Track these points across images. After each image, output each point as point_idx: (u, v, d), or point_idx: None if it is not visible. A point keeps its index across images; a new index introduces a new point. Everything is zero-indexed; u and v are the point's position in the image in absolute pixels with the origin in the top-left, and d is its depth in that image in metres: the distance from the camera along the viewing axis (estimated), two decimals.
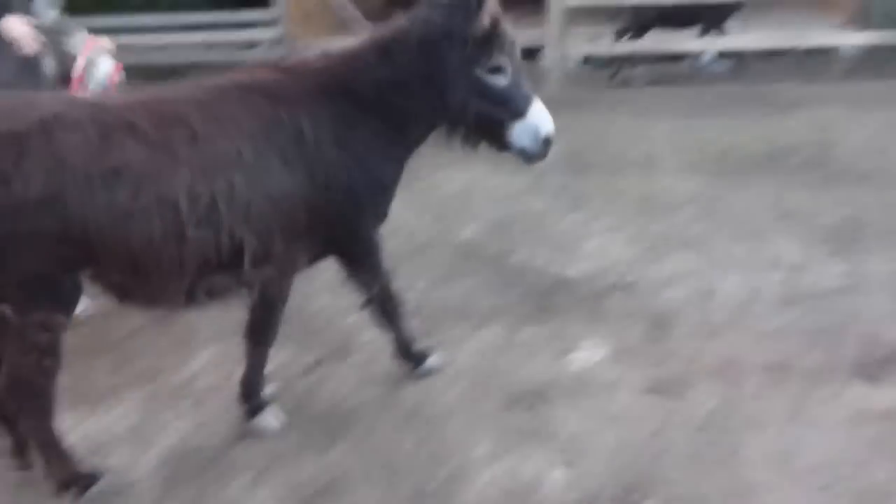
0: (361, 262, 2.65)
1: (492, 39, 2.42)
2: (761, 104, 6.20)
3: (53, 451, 2.29)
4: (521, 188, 4.82)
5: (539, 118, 2.48)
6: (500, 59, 2.45)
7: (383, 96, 2.42)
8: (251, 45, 9.16)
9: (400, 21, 2.49)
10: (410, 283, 3.69)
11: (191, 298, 2.31)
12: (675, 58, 8.16)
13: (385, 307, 2.75)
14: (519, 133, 2.48)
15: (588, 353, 2.99)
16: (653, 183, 4.73)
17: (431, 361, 2.89)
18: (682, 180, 4.75)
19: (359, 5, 9.08)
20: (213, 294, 2.34)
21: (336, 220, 2.44)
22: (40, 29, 3.17)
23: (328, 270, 3.57)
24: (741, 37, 7.78)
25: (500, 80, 2.46)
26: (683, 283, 3.50)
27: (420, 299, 3.55)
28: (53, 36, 3.19)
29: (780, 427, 2.47)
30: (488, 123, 2.50)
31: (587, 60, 8.31)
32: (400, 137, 2.52)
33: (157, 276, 2.20)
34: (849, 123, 5.65)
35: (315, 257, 2.54)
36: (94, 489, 2.31)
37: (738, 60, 7.93)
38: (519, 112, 2.47)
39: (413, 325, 2.89)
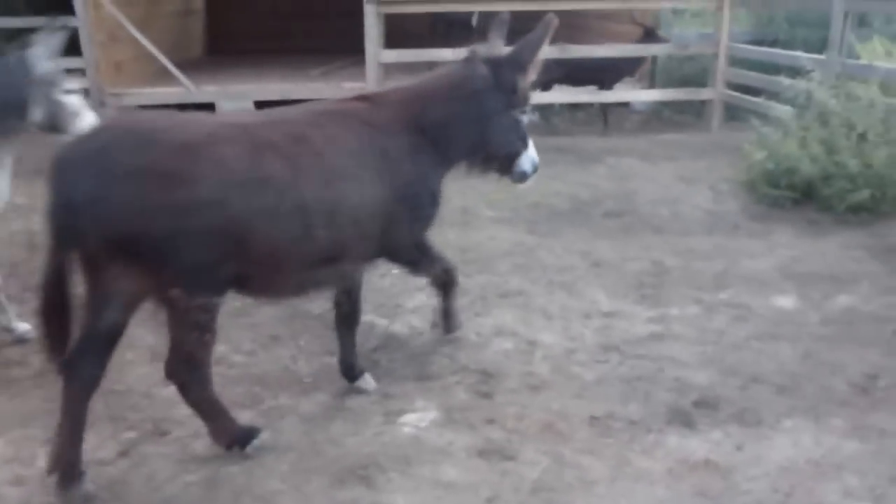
0: (418, 258, 3.24)
1: (527, 87, 3.08)
2: (566, 156, 6.57)
3: (216, 414, 2.71)
4: None
5: (533, 148, 3.20)
6: (528, 102, 3.14)
7: (442, 129, 2.99)
8: None
9: (461, 70, 3.06)
10: (234, 347, 3.53)
11: (300, 290, 2.89)
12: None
13: (443, 285, 3.43)
14: (524, 160, 3.17)
15: (418, 416, 2.95)
16: (471, 236, 4.83)
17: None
18: (498, 232, 4.90)
19: (173, 55, 8.83)
20: (316, 286, 2.91)
21: (403, 223, 2.95)
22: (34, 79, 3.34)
23: (144, 339, 3.35)
24: (546, 92, 8.24)
25: (525, 119, 3.14)
26: (506, 337, 3.58)
27: (245, 364, 3.39)
28: (46, 87, 3.35)
29: (607, 484, 2.54)
30: (510, 154, 3.15)
31: None
32: (447, 162, 3.09)
33: (286, 269, 2.66)
34: (645, 175, 6.12)
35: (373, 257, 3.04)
36: (255, 442, 2.72)
37: (542, 114, 8.37)
38: (526, 144, 3.16)
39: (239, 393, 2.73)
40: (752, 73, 7.18)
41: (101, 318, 2.46)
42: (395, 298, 3.99)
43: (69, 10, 7.98)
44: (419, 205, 2.98)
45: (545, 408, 2.98)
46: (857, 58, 5.89)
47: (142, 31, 8.59)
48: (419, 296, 4.01)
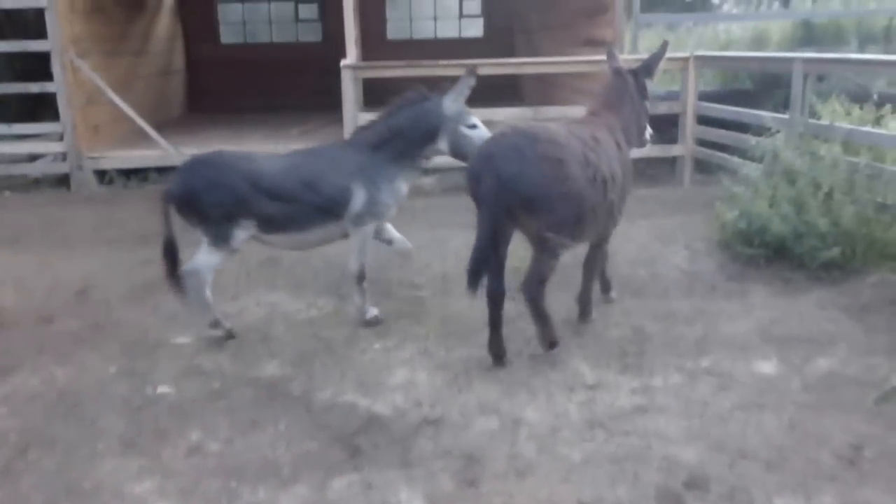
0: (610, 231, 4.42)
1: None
2: None
3: (546, 321, 4.01)
4: (324, 315, 4.73)
5: None
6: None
7: (631, 124, 4.47)
8: (33, 157, 8.58)
9: (618, 80, 4.47)
10: (211, 433, 3.45)
11: (597, 235, 4.27)
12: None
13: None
14: (648, 131, 4.70)
15: None
16: (451, 305, 4.81)
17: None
18: (478, 300, 4.86)
19: (154, 116, 8.85)
20: (594, 238, 4.29)
21: (624, 191, 4.27)
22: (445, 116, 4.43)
23: (115, 427, 3.24)
24: None
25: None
26: (491, 415, 3.53)
27: (222, 454, 3.30)
28: (453, 122, 4.42)
29: None
30: (644, 127, 4.66)
31: None
32: (635, 143, 4.62)
33: (590, 224, 3.98)
34: (622, 233, 6.14)
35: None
36: (557, 349, 4.06)
37: None
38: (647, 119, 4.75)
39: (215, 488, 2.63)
40: (721, 131, 7.32)
41: (502, 252, 3.90)
42: (376, 375, 3.94)
43: (48, 75, 8.02)
44: (625, 187, 4.27)
45: (532, 495, 2.92)
46: (819, 117, 6.02)
47: (121, 93, 8.62)
48: (401, 371, 3.97)
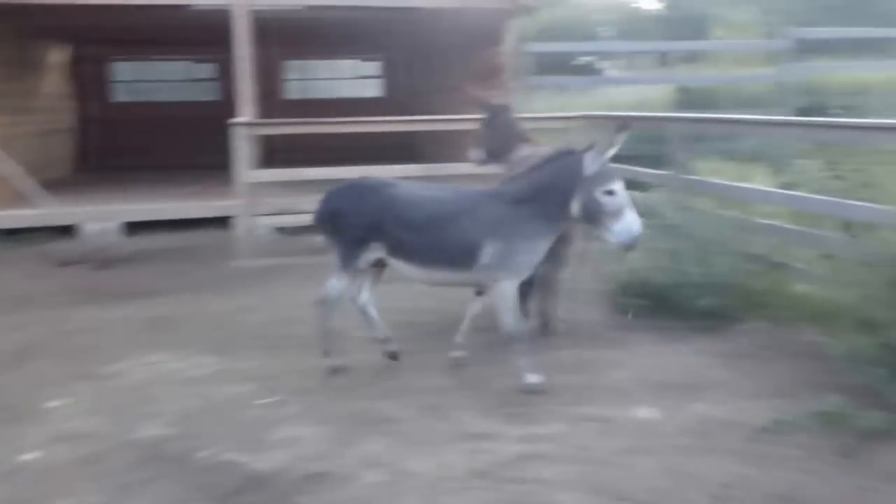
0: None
1: None
2: None
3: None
4: (208, 374, 4.60)
5: None
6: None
7: None
8: None
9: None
10: (78, 501, 3.27)
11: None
12: None
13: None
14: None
15: None
16: (341, 358, 4.75)
17: None
18: (369, 354, 4.85)
19: (39, 175, 8.54)
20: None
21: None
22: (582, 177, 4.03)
23: None
24: None
25: None
26: (375, 468, 3.48)
27: None
28: (590, 185, 3.99)
29: None
30: None
31: (280, 229, 8.41)
32: None
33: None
34: None
35: None
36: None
37: None
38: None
39: None
40: None
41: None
42: (259, 432, 3.83)
43: None
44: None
45: None
46: (694, 174, 6.38)
47: (4, 151, 8.28)
48: (286, 427, 3.88)
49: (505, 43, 9.60)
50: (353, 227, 4.37)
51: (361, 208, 4.34)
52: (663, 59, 12.82)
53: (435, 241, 4.21)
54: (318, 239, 8.04)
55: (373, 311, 4.69)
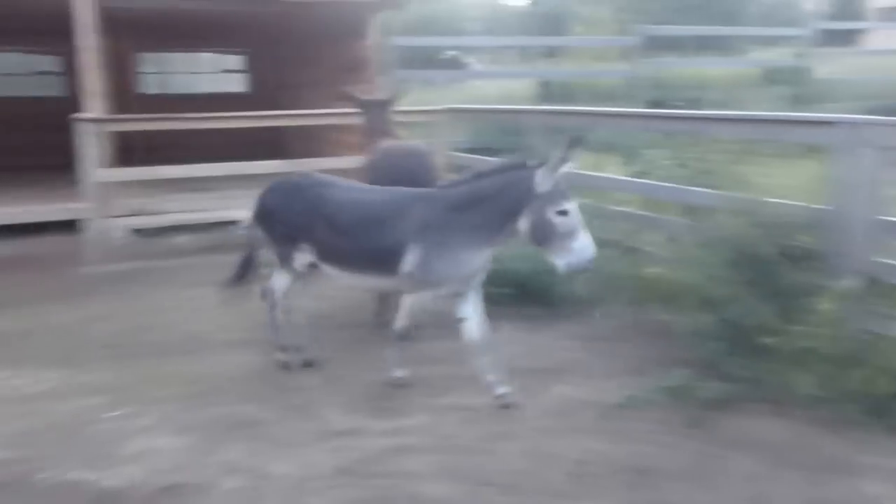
0: None
1: None
2: None
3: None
4: (50, 389, 4.31)
5: None
6: None
7: None
8: None
9: None
10: None
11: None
12: (224, 223, 8.27)
13: None
14: None
15: None
16: (197, 365, 4.60)
17: None
18: (231, 357, 4.71)
19: None
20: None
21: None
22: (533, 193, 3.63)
23: None
24: None
25: None
26: (236, 474, 3.38)
27: None
28: (541, 203, 3.61)
29: None
30: None
31: (138, 231, 8.01)
32: None
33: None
34: None
35: None
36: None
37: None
38: None
39: None
40: None
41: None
42: (108, 448, 3.63)
43: None
44: None
45: None
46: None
47: None
48: (139, 440, 3.70)
49: (371, 36, 9.56)
50: (284, 226, 4.26)
51: (293, 207, 4.21)
52: (526, 53, 13.15)
53: (361, 245, 4.01)
54: (180, 240, 7.80)
55: (301, 316, 4.66)
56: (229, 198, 8.07)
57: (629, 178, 6.03)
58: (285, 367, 4.49)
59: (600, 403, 3.98)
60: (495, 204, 3.74)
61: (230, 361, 4.65)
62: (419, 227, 3.85)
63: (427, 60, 14.25)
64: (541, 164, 3.64)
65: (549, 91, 11.19)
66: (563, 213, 3.61)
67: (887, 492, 3.14)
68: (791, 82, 12.43)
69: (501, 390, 4.00)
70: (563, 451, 3.51)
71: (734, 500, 3.13)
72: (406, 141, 5.77)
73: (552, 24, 16.62)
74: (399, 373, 4.22)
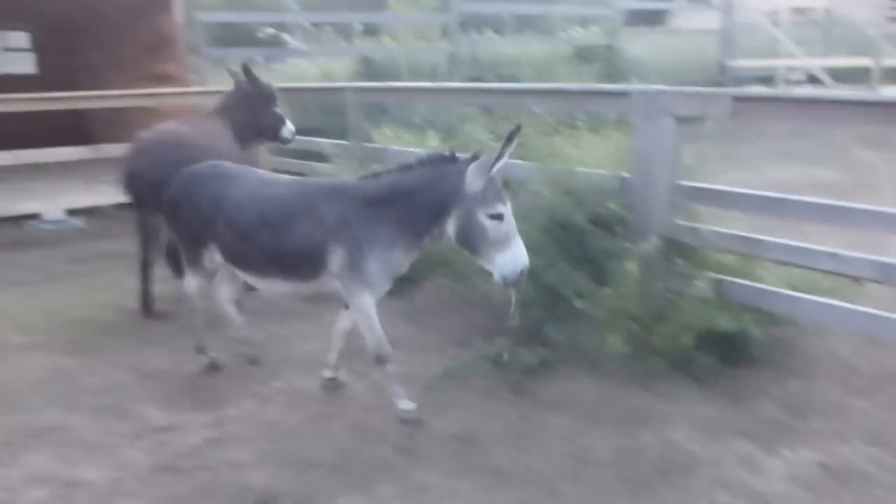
0: None
1: None
2: (114, 262, 6.13)
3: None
4: None
5: None
6: None
7: None
8: None
9: None
10: None
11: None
12: (16, 219, 7.60)
13: None
14: None
15: None
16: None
17: None
18: (31, 361, 4.34)
19: None
20: None
21: None
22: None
23: None
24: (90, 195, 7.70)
25: None
26: (40, 484, 3.12)
27: None
28: (469, 205, 3.21)
29: None
30: None
31: None
32: None
33: None
34: None
35: None
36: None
37: (92, 217, 7.78)
38: None
39: None
40: (293, 160, 7.54)
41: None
42: None
43: None
44: None
45: None
46: (373, 142, 6.54)
47: None
48: None
49: (177, 12, 9.04)
50: (188, 222, 3.84)
51: (196, 202, 3.75)
52: (345, 31, 12.99)
53: (268, 247, 3.53)
54: None
55: (231, 309, 4.22)
56: (21, 190, 7.43)
57: None
58: (212, 367, 4.19)
59: (426, 376, 4.02)
60: (419, 201, 3.31)
61: (32, 365, 4.28)
62: (337, 224, 3.41)
63: (245, 38, 13.72)
64: (473, 159, 3.22)
65: (370, 69, 11.11)
66: (497, 217, 3.19)
67: (689, 436, 3.40)
68: (602, 60, 13.10)
69: (328, 374, 3.94)
70: (390, 426, 3.52)
71: (555, 457, 3.27)
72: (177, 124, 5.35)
73: (371, 0, 16.48)
74: (406, 406, 3.57)
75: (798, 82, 14.47)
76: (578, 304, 3.92)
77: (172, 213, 3.93)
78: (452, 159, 3.32)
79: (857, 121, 3.74)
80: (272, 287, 3.78)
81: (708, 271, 4.03)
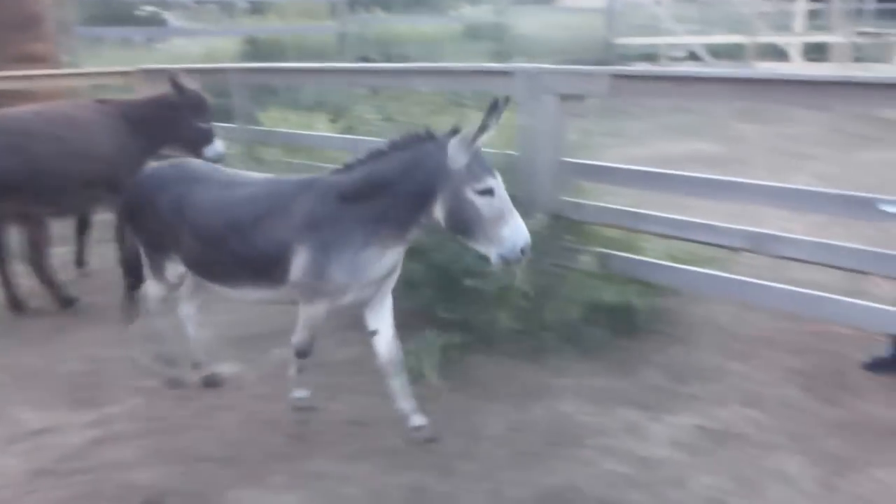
0: None
1: None
2: None
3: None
4: None
5: None
6: None
7: None
8: None
9: None
10: None
11: None
12: None
13: None
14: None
15: None
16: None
17: None
18: None
19: None
20: None
21: None
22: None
23: None
24: None
25: None
26: None
27: None
28: (458, 183, 2.86)
29: None
30: None
31: None
32: None
33: None
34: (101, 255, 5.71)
35: None
36: None
37: None
38: None
39: None
40: None
41: None
42: None
43: None
44: None
45: None
46: (260, 125, 6.38)
47: None
48: None
49: None
50: (148, 228, 3.46)
51: (157, 205, 3.35)
52: (229, 9, 12.59)
53: (237, 251, 3.18)
54: None
55: (191, 327, 3.82)
56: None
57: (337, 135, 6.03)
58: (177, 384, 3.78)
59: (320, 361, 3.97)
60: (400, 189, 2.95)
61: None
62: (305, 223, 3.06)
63: (124, 16, 13.10)
64: (453, 134, 2.90)
65: (256, 49, 10.83)
66: (487, 192, 2.84)
67: (579, 407, 3.50)
68: (491, 38, 13.22)
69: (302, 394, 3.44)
70: (282, 415, 3.45)
71: (449, 435, 3.28)
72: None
73: None
74: (300, 393, 3.39)
75: (679, 59, 15.04)
76: (468, 282, 3.94)
77: (131, 220, 3.57)
78: (430, 137, 2.98)
79: (729, 96, 3.91)
80: (243, 296, 3.40)
81: (594, 246, 4.14)
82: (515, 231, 2.87)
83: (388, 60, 9.10)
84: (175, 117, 4.95)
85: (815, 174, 7.74)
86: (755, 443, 3.22)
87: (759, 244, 3.69)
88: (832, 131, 10.22)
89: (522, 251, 2.88)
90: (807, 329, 4.22)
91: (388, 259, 3.10)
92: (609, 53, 14.29)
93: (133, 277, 3.81)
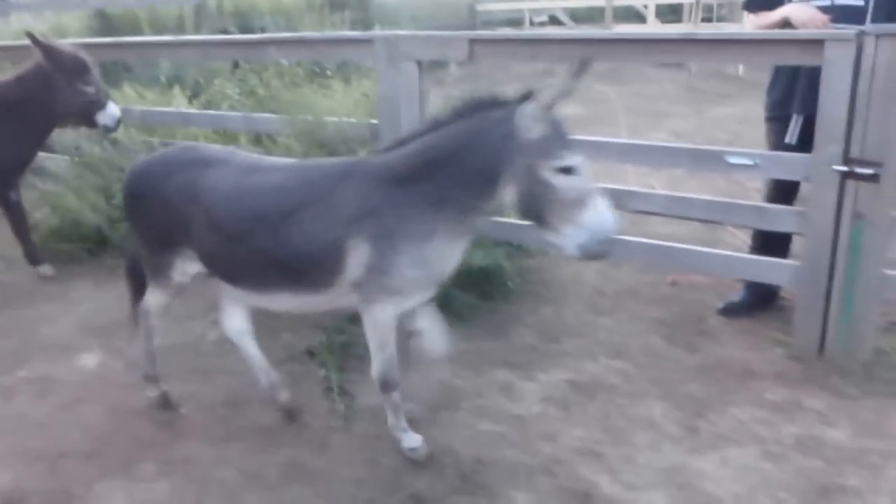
0: None
1: None
2: None
3: None
4: None
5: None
6: None
7: None
8: None
9: None
10: None
11: None
12: None
13: None
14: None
15: None
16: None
17: None
18: None
19: None
20: None
21: None
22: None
23: None
24: None
25: None
26: None
27: None
28: (532, 158, 2.38)
29: None
30: None
31: None
32: None
33: None
34: None
35: None
36: None
37: None
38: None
39: None
40: None
41: None
42: None
43: None
44: None
45: None
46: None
47: None
48: None
49: None
50: (153, 221, 2.90)
51: (165, 195, 2.82)
52: None
53: (268, 250, 2.67)
54: None
55: (250, 344, 3.22)
56: None
57: (198, 111, 5.81)
58: (163, 403, 3.30)
59: (190, 345, 3.87)
60: (460, 167, 2.49)
61: None
62: (358, 213, 2.58)
63: None
64: (524, 99, 2.44)
65: (108, 24, 10.23)
66: (567, 170, 2.39)
67: (455, 372, 3.54)
68: (354, 7, 13.04)
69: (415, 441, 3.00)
70: (140, 405, 3.33)
71: (325, 411, 3.28)
72: None
73: None
74: (411, 442, 2.95)
75: (542, 23, 15.36)
76: None
77: (131, 212, 3.03)
78: (497, 102, 2.50)
79: (583, 56, 4.01)
80: (276, 303, 2.92)
81: None
82: (600, 217, 2.40)
83: (247, 33, 8.81)
84: (52, 88, 4.41)
85: (672, 131, 8.13)
86: (623, 392, 3.38)
87: (617, 200, 3.84)
88: (687, 90, 10.75)
89: (607, 242, 2.43)
90: (668, 280, 4.45)
91: (457, 250, 2.68)
92: (473, 20, 14.41)
93: (136, 284, 3.26)
